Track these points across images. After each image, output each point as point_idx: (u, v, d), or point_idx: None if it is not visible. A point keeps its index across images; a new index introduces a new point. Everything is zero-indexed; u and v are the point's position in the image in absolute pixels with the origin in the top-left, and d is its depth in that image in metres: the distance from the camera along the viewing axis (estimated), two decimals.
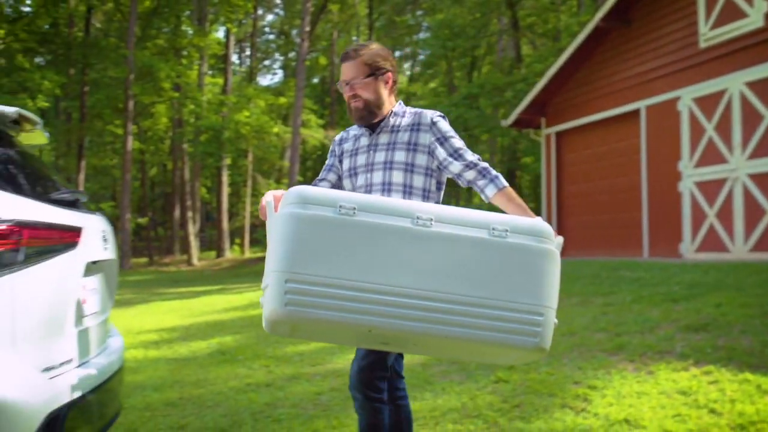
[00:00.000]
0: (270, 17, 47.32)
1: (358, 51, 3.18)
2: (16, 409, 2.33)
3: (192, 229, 32.68)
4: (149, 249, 37.71)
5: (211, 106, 29.88)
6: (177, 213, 36.17)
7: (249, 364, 6.86)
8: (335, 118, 38.24)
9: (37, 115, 3.17)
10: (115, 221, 28.30)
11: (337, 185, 3.35)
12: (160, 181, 48.07)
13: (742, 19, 11.97)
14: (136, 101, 29.94)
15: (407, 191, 3.13)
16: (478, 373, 5.64)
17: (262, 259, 12.39)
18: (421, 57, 42.91)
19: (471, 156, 3.13)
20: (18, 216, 2.46)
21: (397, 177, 3.12)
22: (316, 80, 44.96)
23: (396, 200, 2.61)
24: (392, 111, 3.24)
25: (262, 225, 29.64)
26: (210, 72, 37.04)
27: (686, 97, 13.16)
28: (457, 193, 35.04)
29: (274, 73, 51.20)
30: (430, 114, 3.20)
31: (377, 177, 3.15)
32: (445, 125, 3.18)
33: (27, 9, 30.04)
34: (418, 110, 3.23)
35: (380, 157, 3.17)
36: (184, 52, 32.05)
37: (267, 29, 47.69)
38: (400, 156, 3.14)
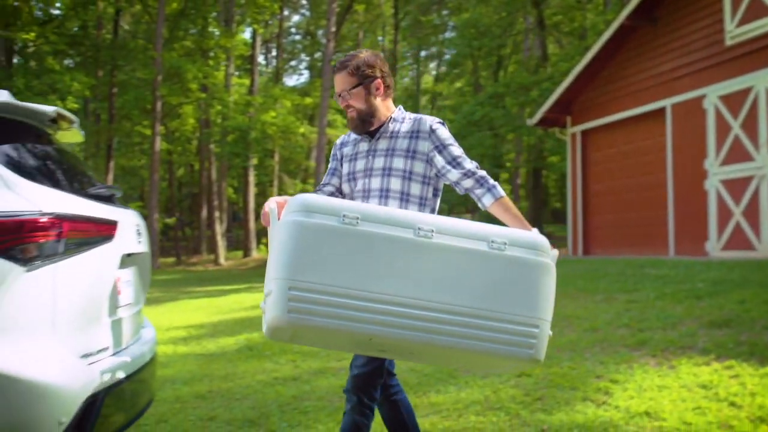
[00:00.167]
0: (296, 18, 47.58)
1: (345, 62, 3.22)
2: (57, 392, 2.46)
3: (219, 229, 32.91)
4: (177, 249, 37.99)
5: (237, 106, 30.07)
6: (204, 213, 36.44)
7: (276, 359, 6.98)
8: None
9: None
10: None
11: (341, 189, 3.39)
12: (188, 182, 48.43)
13: None
14: (164, 102, 30.20)
15: (404, 198, 3.17)
16: None
17: None
18: (447, 56, 42.90)
19: (469, 164, 3.17)
20: (58, 209, 2.59)
21: (395, 184, 3.16)
22: None
23: (399, 211, 2.67)
24: (391, 117, 3.27)
25: None
26: (237, 73, 37.32)
27: (712, 95, 13.13)
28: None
29: (300, 74, 51.40)
30: (429, 121, 3.22)
31: (375, 183, 3.19)
32: (444, 132, 3.21)
33: (57, 12, 30.47)
34: (418, 116, 3.26)
35: (379, 163, 3.21)
36: (211, 53, 32.29)
37: (293, 30, 47.94)
38: (398, 163, 3.17)
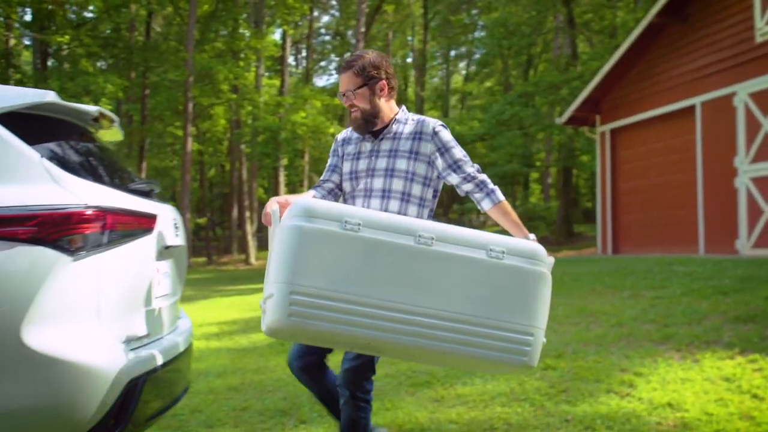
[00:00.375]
0: (325, 18, 47.80)
1: (350, 62, 3.29)
2: (102, 375, 2.61)
3: (250, 228, 33.17)
4: (208, 249, 38.35)
5: (268, 107, 30.28)
6: (235, 213, 36.73)
7: None
8: None
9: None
10: None
11: (340, 186, 3.45)
12: (219, 182, 48.81)
13: None
14: (195, 103, 30.49)
15: (405, 199, 3.24)
16: None
17: None
18: (477, 56, 42.88)
19: (470, 168, 3.25)
20: (102, 203, 2.74)
21: (397, 185, 3.24)
22: None
23: (400, 218, 2.75)
24: (395, 118, 3.34)
25: None
26: (267, 74, 37.57)
27: (742, 93, 13.09)
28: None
29: (330, 74, 51.56)
30: (432, 123, 3.29)
31: (378, 183, 3.26)
32: (446, 135, 3.28)
33: (90, 15, 30.91)
34: (421, 118, 3.33)
35: (382, 163, 3.28)
36: (242, 55, 32.53)
37: (323, 30, 48.16)
38: (401, 164, 3.25)
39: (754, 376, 4.81)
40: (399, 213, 3.20)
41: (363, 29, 26.86)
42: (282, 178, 33.95)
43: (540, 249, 2.81)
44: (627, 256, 15.34)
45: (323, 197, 3.38)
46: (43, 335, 2.52)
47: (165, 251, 3.29)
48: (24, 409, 2.51)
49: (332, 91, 37.67)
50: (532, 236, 3.03)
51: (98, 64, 31.91)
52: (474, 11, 39.86)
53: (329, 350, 3.36)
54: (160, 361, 3.03)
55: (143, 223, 2.99)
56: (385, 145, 3.31)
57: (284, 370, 6.46)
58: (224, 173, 46.20)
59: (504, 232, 3.14)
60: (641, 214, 16.25)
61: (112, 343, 2.72)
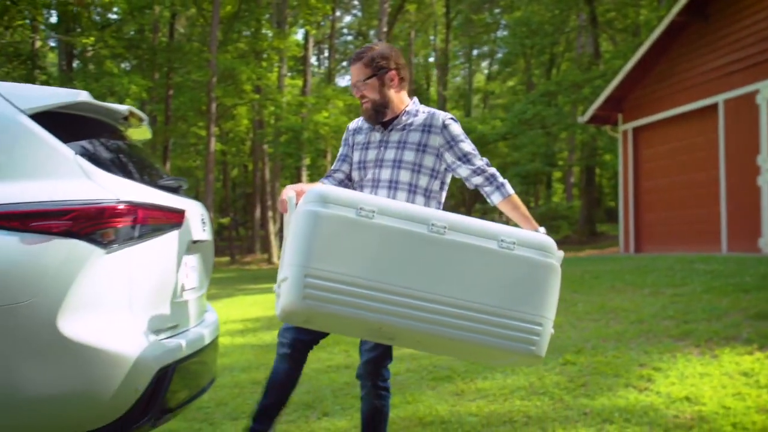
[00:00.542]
0: (348, 18, 47.96)
1: (360, 54, 3.36)
2: (134, 363, 2.72)
3: (272, 228, 33.34)
4: (231, 248, 38.55)
5: (290, 107, 30.40)
6: (258, 213, 36.88)
7: (330, 349, 7.22)
8: None
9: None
10: None
11: (350, 176, 3.51)
12: (241, 182, 49.06)
13: None
14: (218, 103, 30.69)
15: (412, 190, 3.30)
16: (547, 356, 5.86)
17: None
18: (499, 55, 42.81)
19: (479, 161, 3.30)
20: (133, 198, 2.85)
21: (405, 176, 3.29)
22: None
23: (413, 206, 2.83)
24: (405, 110, 3.39)
25: None
26: (289, 74, 37.71)
27: (765, 91, 13.05)
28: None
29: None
30: (442, 116, 3.34)
31: (385, 174, 3.32)
32: (456, 129, 3.33)
33: (114, 16, 31.21)
34: (431, 110, 3.38)
35: (390, 154, 3.33)
36: (265, 55, 32.67)
37: (345, 30, 48.31)
38: (409, 156, 3.30)
39: None
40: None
41: (385, 29, 26.95)
42: (304, 178, 34.04)
43: (550, 241, 2.87)
44: (649, 254, 15.32)
45: None
46: (77, 324, 2.63)
47: (192, 246, 3.39)
48: (60, 396, 2.62)
49: None
50: (541, 229, 3.09)
51: (122, 65, 32.16)
52: (496, 10, 39.81)
53: (322, 336, 3.37)
54: (188, 351, 3.14)
55: (172, 218, 3.10)
56: (395, 136, 3.37)
57: (307, 364, 6.51)
58: (247, 173, 46.43)
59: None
60: (664, 213, 16.22)
61: (143, 332, 2.83)
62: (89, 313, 2.67)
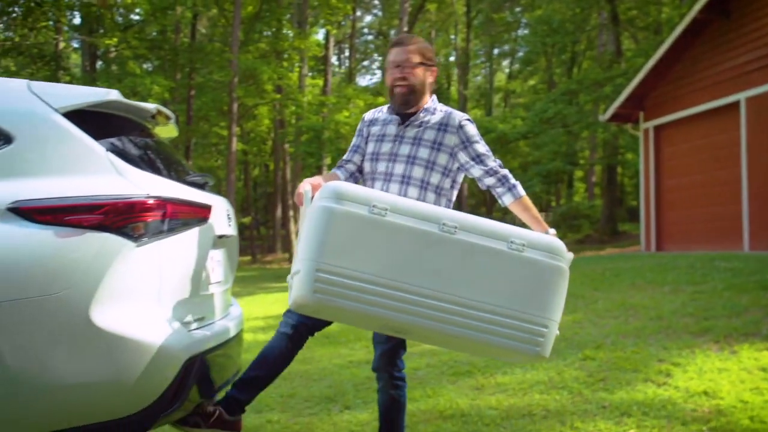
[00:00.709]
0: (368, 18, 48.06)
1: (413, 39, 3.42)
2: (164, 352, 2.81)
3: (293, 227, 33.45)
4: (252, 247, 38.77)
5: (311, 106, 30.52)
6: (279, 212, 37.05)
7: (351, 345, 7.31)
8: None
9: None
10: None
11: (361, 168, 3.56)
12: (263, 182, 49.29)
13: None
14: (240, 103, 30.85)
15: (424, 186, 3.36)
16: (566, 351, 5.94)
17: None
18: (520, 54, 42.74)
19: (492, 162, 3.36)
20: (162, 193, 2.94)
21: (418, 172, 3.35)
22: None
23: (425, 205, 2.88)
24: (424, 107, 3.44)
25: None
26: (310, 74, 37.82)
27: None
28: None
29: (373, 74, 51.81)
30: (459, 117, 3.40)
31: (399, 168, 3.37)
32: (471, 129, 3.40)
33: (137, 17, 31.47)
34: (449, 110, 3.44)
35: (405, 149, 3.39)
36: (286, 55, 32.81)
37: (365, 30, 48.41)
38: (423, 153, 3.36)
39: None
40: (417, 200, 3.29)
41: (406, 28, 27.01)
42: None
43: (560, 244, 2.92)
44: (671, 253, 15.28)
45: (345, 179, 3.50)
46: (109, 315, 2.72)
47: (218, 240, 3.48)
48: (92, 383, 2.72)
49: (375, 90, 37.93)
50: (551, 231, 3.14)
51: (145, 65, 32.45)
52: (517, 9, 39.72)
53: (327, 324, 3.40)
54: (214, 342, 3.22)
55: (199, 213, 3.19)
56: (411, 132, 3.42)
57: (329, 360, 6.66)
58: (268, 173, 46.64)
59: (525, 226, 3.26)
60: (685, 211, 16.16)
61: (172, 323, 2.92)
62: (120, 304, 2.76)
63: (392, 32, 42.75)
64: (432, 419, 4.57)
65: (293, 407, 5.12)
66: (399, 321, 2.77)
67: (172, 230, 2.96)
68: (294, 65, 33.45)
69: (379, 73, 49.91)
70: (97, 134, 2.95)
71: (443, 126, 3.41)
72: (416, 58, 3.40)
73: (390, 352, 3.50)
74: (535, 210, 3.32)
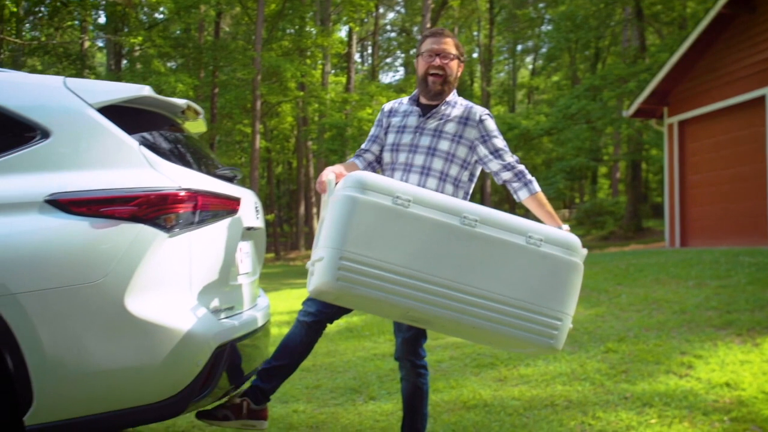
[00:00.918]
0: (391, 15, 48.05)
1: (448, 31, 3.52)
2: (195, 339, 2.90)
3: (317, 225, 33.54)
4: (276, 245, 38.94)
5: (334, 104, 30.62)
6: (302, 209, 37.22)
7: (375, 339, 7.39)
8: None
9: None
10: None
11: (379, 158, 3.64)
12: (286, 179, 49.50)
13: None
14: (263, 101, 31.01)
15: (443, 178, 3.43)
16: (589, 344, 5.98)
17: None
18: (544, 50, 42.59)
19: (510, 157, 3.44)
20: (193, 185, 3.03)
21: (437, 164, 3.42)
22: None
23: (448, 198, 2.96)
24: (446, 100, 3.52)
25: None
26: (333, 71, 37.97)
27: None
28: None
29: (396, 71, 51.87)
30: (480, 111, 3.48)
31: (419, 159, 3.45)
32: (491, 124, 3.48)
33: (161, 16, 31.73)
34: (469, 104, 3.52)
35: (425, 141, 3.46)
36: (309, 52, 32.93)
37: (388, 27, 48.43)
38: (444, 145, 3.44)
39: None
40: (436, 191, 3.36)
41: (429, 25, 27.03)
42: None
43: (575, 240, 3.00)
44: (695, 248, 15.22)
45: (363, 169, 3.58)
46: (143, 303, 2.82)
47: (246, 232, 3.57)
48: (126, 369, 2.82)
49: (398, 87, 37.95)
50: (565, 227, 3.21)
51: (169, 63, 32.68)
52: (540, 5, 39.62)
53: (345, 312, 3.48)
54: (243, 331, 3.32)
55: (228, 205, 3.28)
56: (431, 124, 3.49)
57: (353, 353, 6.75)
58: (291, 170, 46.85)
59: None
60: (710, 207, 16.09)
61: (203, 311, 3.01)
62: (153, 293, 2.86)
63: (415, 29, 42.79)
64: (455, 409, 4.64)
65: (319, 398, 5.21)
66: (418, 310, 2.85)
67: (202, 222, 3.06)
68: (317, 63, 33.57)
69: (402, 70, 49.97)
70: (130, 129, 3.05)
71: (464, 119, 3.48)
72: (454, 50, 3.49)
73: (411, 341, 3.57)
74: (549, 206, 3.40)
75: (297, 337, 3.45)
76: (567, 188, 37.34)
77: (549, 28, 39.01)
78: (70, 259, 2.76)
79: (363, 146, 3.68)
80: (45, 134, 2.91)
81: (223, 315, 3.22)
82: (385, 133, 3.63)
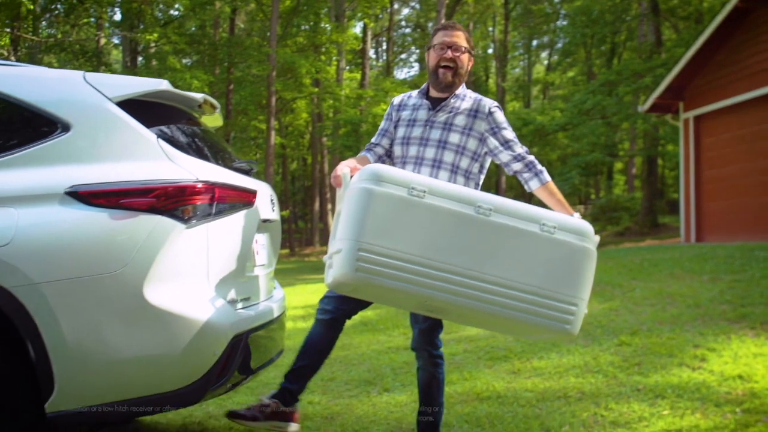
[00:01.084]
0: (406, 11, 47.98)
1: (459, 25, 3.57)
2: (212, 329, 2.96)
3: (331, 221, 33.65)
4: (290, 241, 39.04)
5: (349, 100, 30.64)
6: (317, 205, 37.29)
7: (389, 332, 7.44)
8: None
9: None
10: None
11: (388, 153, 3.67)
12: (301, 175, 49.56)
13: None
14: (278, 97, 31.06)
15: (454, 170, 3.47)
16: (602, 337, 6.01)
17: None
18: (559, 45, 42.45)
19: (520, 148, 3.47)
20: (210, 178, 3.09)
21: (448, 156, 3.47)
22: None
23: (462, 188, 3.00)
24: (455, 92, 3.56)
25: None
26: (348, 67, 37.98)
27: None
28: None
29: (411, 67, 51.77)
30: (489, 103, 3.52)
31: (430, 152, 3.49)
32: (500, 116, 3.52)
33: (176, 13, 31.86)
34: (478, 96, 3.55)
35: (436, 134, 3.50)
36: (323, 49, 32.98)
37: (403, 23, 48.38)
38: (454, 138, 3.48)
39: None
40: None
41: (444, 20, 26.95)
42: None
43: (588, 226, 3.05)
44: (709, 243, 15.17)
45: (374, 162, 3.60)
46: (161, 293, 2.88)
47: (262, 225, 3.62)
48: (145, 357, 2.88)
49: (413, 83, 37.91)
50: (576, 214, 3.25)
51: (184, 60, 32.80)
52: (556, 0, 39.49)
53: (363, 307, 3.54)
54: (259, 322, 3.38)
55: (245, 197, 3.34)
56: (441, 117, 3.53)
57: (368, 346, 6.80)
58: (306, 166, 46.90)
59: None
60: (725, 202, 16.02)
61: (220, 301, 3.07)
62: (171, 283, 2.92)
63: (430, 25, 42.74)
64: (469, 400, 4.68)
65: (333, 390, 5.26)
66: (436, 299, 2.89)
67: (219, 213, 3.11)
68: (332, 59, 33.61)
69: (416, 65, 49.89)
70: (148, 122, 3.11)
71: (473, 112, 3.53)
72: (465, 44, 3.54)
73: (428, 331, 3.61)
74: (560, 194, 3.44)
75: (317, 336, 3.52)
76: (582, 184, 37.24)
77: (564, 23, 38.91)
78: (90, 250, 2.83)
79: (373, 140, 3.72)
80: (65, 128, 2.97)
81: (239, 305, 3.28)
82: (395, 127, 3.66)
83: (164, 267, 2.90)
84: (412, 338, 3.73)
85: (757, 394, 4.28)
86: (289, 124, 39.16)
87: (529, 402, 4.56)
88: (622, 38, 36.63)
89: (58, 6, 27.48)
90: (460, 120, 3.51)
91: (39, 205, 2.84)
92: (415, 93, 3.71)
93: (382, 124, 3.73)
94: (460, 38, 3.53)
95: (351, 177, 3.09)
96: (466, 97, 3.58)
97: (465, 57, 3.54)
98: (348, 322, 5.58)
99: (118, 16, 30.76)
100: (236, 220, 3.26)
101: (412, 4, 45.99)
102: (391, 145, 3.67)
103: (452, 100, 3.56)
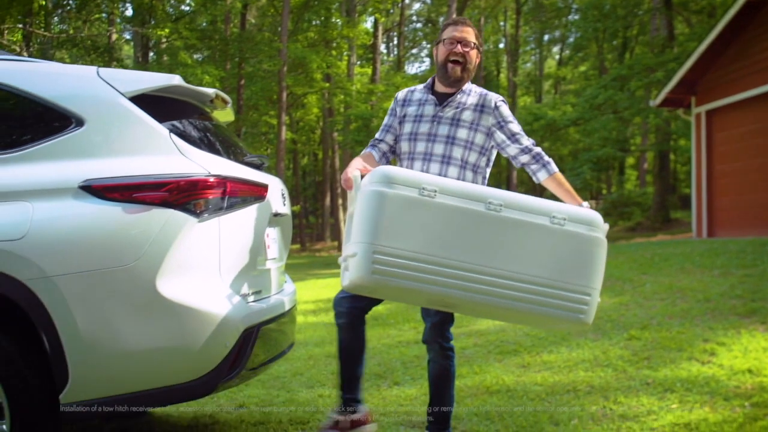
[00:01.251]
0: (417, 6, 47.99)
1: (468, 21, 3.58)
2: (224, 321, 3.00)
3: (342, 216, 33.70)
4: (301, 236, 39.12)
5: (360, 95, 30.63)
6: (328, 201, 37.34)
7: (399, 327, 7.47)
8: None
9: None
10: None
11: (394, 148, 3.68)
12: (311, 170, 49.67)
13: None
14: (289, 92, 31.11)
15: (463, 165, 3.50)
16: (612, 332, 6.03)
17: None
18: (571, 40, 42.32)
19: (527, 141, 3.51)
20: (222, 172, 3.12)
21: (457, 152, 3.48)
22: None
23: (471, 186, 3.04)
24: (462, 88, 3.58)
25: None
26: (359, 62, 37.97)
27: None
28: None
29: (422, 61, 51.72)
30: (494, 98, 3.55)
31: (438, 148, 3.50)
32: (506, 110, 3.54)
33: (187, 8, 31.93)
34: (484, 91, 3.58)
35: (443, 130, 3.52)
36: (334, 44, 32.99)
37: (414, 18, 48.33)
38: (462, 133, 3.50)
39: None
40: (458, 178, 3.45)
41: (455, 15, 26.96)
42: None
43: (597, 216, 3.09)
44: (721, 238, 15.12)
45: (378, 159, 3.64)
46: (174, 285, 2.92)
47: (273, 219, 3.66)
48: (157, 349, 2.92)
49: (424, 78, 37.86)
50: (585, 204, 3.28)
51: (195, 55, 32.88)
52: None
53: (377, 302, 3.56)
54: (270, 315, 3.41)
55: (256, 191, 3.37)
56: (448, 112, 3.55)
57: (378, 340, 6.83)
58: (317, 161, 46.98)
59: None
60: (737, 197, 15.96)
61: (231, 294, 3.11)
62: (184, 276, 2.96)
63: (441, 19, 42.66)
64: (478, 394, 4.71)
65: None
66: (451, 296, 2.92)
67: (231, 207, 3.15)
68: (343, 54, 33.59)
69: (427, 60, 49.84)
70: (160, 117, 3.14)
71: (480, 107, 3.55)
72: (474, 39, 3.55)
73: (439, 325, 3.64)
74: (568, 185, 3.47)
75: (344, 342, 3.59)
76: (594, 179, 37.11)
77: (576, 17, 38.73)
78: (104, 243, 2.87)
79: (377, 136, 3.72)
80: (79, 122, 3.01)
81: (251, 298, 3.31)
82: (400, 123, 3.67)
83: (176, 260, 2.93)
84: (424, 331, 3.76)
85: (766, 388, 4.28)
86: (300, 119, 39.21)
87: (539, 395, 4.58)
88: (634, 32, 36.48)
89: (70, 2, 27.63)
90: (467, 115, 3.53)
91: (53, 199, 2.89)
92: (420, 87, 3.72)
93: (386, 120, 3.74)
94: (470, 34, 3.54)
95: (361, 179, 3.12)
96: (471, 92, 3.61)
97: (474, 53, 3.56)
98: None
99: (129, 12, 30.90)
100: (248, 214, 3.30)
101: None
102: (396, 140, 3.68)
103: (459, 96, 3.58)
